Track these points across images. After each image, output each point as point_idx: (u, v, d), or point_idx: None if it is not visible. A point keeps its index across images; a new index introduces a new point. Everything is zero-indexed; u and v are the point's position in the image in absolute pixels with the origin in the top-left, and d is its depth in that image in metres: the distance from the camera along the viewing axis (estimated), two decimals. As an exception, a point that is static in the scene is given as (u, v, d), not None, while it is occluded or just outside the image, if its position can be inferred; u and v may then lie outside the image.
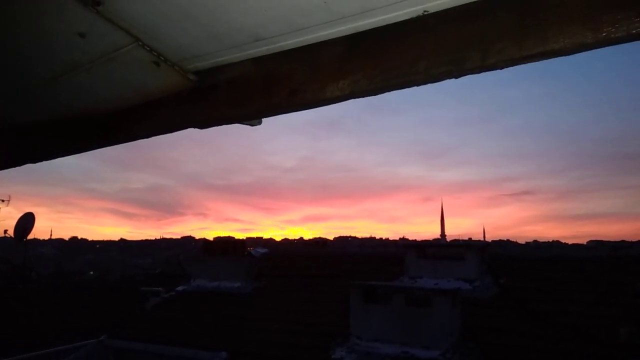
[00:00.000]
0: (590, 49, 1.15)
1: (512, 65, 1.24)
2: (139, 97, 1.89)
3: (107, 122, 2.07)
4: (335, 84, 1.49)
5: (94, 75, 1.83)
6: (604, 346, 6.45)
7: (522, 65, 1.23)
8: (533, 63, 1.21)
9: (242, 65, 1.67)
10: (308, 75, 1.54)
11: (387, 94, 1.46)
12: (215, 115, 1.81)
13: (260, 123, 2.14)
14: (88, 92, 1.96)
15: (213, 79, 1.78)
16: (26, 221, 16.03)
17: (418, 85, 1.38)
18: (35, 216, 16.35)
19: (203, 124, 1.90)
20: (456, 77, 1.32)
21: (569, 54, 1.17)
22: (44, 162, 2.33)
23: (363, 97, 1.48)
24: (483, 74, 1.28)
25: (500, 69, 1.27)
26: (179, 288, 11.77)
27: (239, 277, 11.25)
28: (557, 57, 1.19)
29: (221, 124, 1.88)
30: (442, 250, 10.36)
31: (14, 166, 2.43)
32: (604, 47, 1.14)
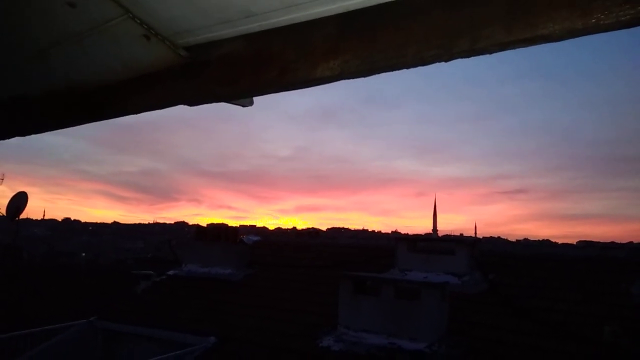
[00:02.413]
0: (580, 36, 1.15)
1: (501, 50, 1.24)
2: (130, 71, 1.87)
3: (96, 96, 2.05)
4: (325, 63, 1.48)
5: (83, 48, 1.81)
6: (588, 344, 6.52)
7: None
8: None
9: (233, 42, 1.65)
10: (299, 54, 1.53)
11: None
12: (206, 92, 1.79)
13: (251, 104, 2.12)
14: (77, 66, 1.94)
15: (204, 56, 1.76)
16: (19, 200, 15.94)
17: (407, 68, 1.37)
18: (28, 196, 16.29)
19: (193, 101, 1.88)
20: (445, 61, 1.31)
21: (558, 40, 1.16)
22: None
23: (353, 78, 1.47)
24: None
25: (489, 54, 1.26)
26: (170, 272, 11.79)
27: (230, 263, 11.27)
28: (546, 42, 1.18)
29: (212, 102, 1.86)
30: (433, 245, 10.42)
31: (1, 139, 2.41)
32: (593, 34, 1.13)
